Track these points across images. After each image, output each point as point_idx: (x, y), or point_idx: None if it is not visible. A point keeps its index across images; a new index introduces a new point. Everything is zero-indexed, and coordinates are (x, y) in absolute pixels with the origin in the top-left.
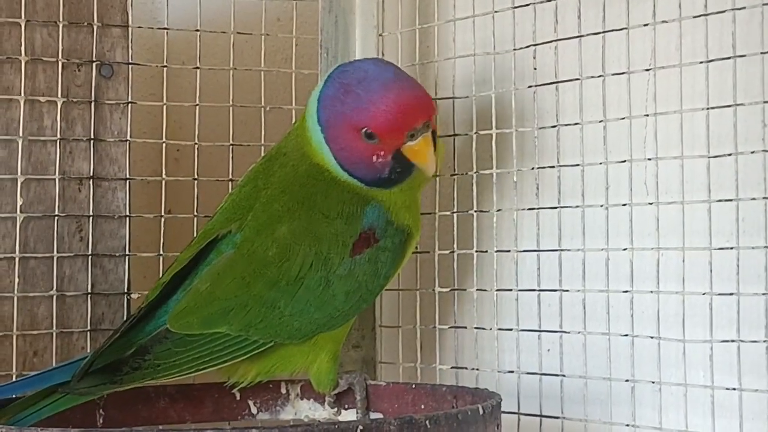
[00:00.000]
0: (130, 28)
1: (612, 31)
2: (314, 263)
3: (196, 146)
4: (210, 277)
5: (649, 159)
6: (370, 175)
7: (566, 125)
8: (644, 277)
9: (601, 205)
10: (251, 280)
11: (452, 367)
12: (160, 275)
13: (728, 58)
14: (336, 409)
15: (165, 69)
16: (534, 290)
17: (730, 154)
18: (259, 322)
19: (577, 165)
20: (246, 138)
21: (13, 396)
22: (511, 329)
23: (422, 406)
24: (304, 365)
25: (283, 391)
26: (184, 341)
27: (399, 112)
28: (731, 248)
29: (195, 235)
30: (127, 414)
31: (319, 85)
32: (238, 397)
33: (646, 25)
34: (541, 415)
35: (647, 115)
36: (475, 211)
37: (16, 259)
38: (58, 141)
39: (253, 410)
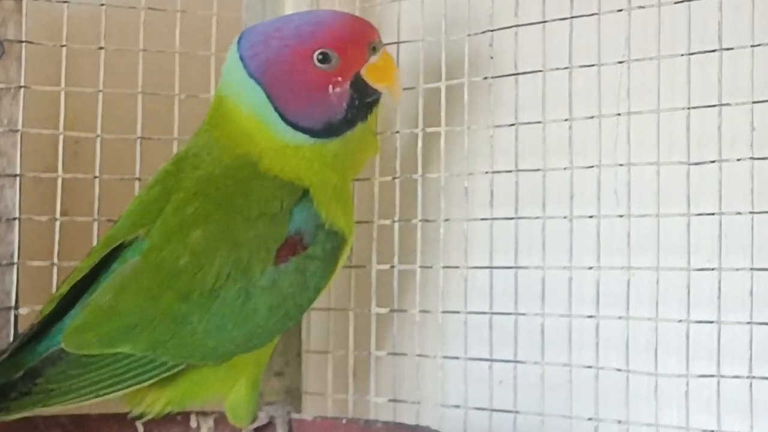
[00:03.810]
0: (24, 1)
1: (581, 16)
2: (232, 273)
3: (98, 139)
4: (112, 289)
5: (621, 164)
6: (323, 116)
7: (526, 124)
8: (612, 301)
9: (564, 217)
10: (159, 293)
11: (389, 400)
12: (55, 287)
13: (713, 50)
14: None
15: (64, 49)
16: (485, 313)
17: (713, 161)
18: (168, 340)
19: (538, 170)
20: (156, 131)
21: None
22: (458, 357)
23: None
24: (219, 393)
25: (194, 424)
26: (82, 362)
27: (356, 23)
28: (712, 269)
29: (96, 241)
30: None
31: (233, 51)
32: (141, 431)
33: (620, 10)
34: None
35: (619, 114)
36: (420, 221)
37: None
38: None
39: None
